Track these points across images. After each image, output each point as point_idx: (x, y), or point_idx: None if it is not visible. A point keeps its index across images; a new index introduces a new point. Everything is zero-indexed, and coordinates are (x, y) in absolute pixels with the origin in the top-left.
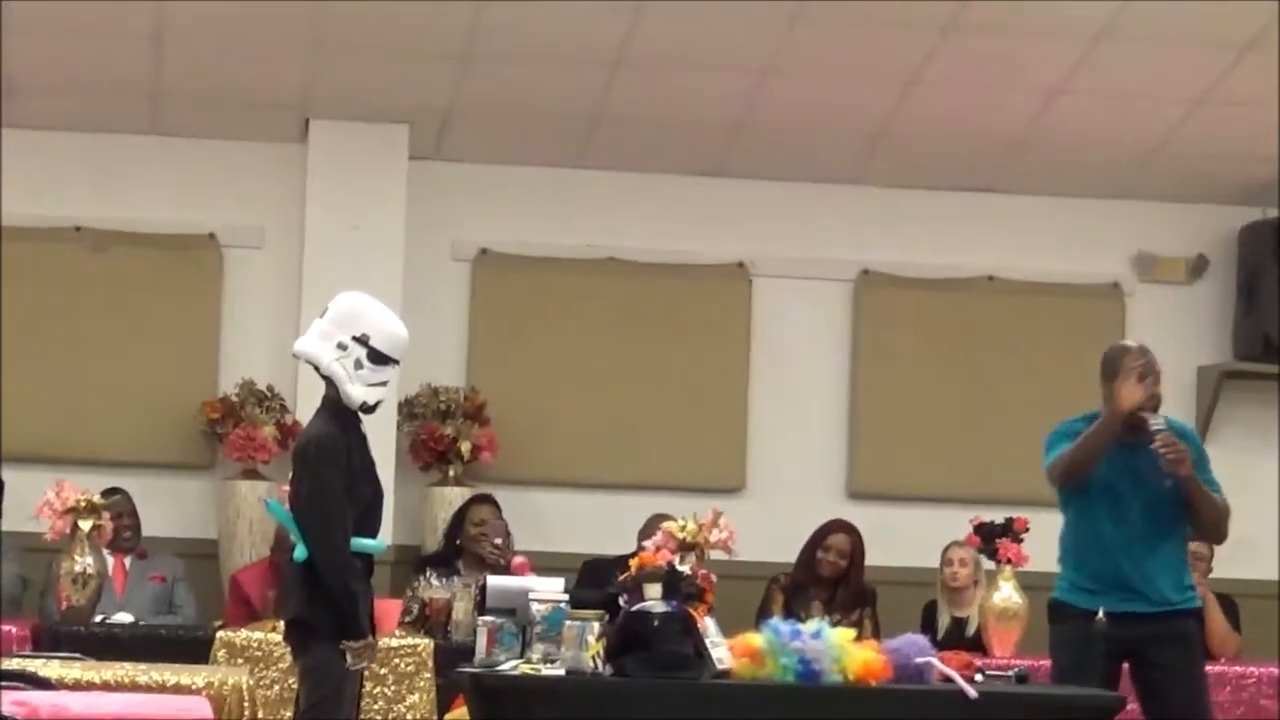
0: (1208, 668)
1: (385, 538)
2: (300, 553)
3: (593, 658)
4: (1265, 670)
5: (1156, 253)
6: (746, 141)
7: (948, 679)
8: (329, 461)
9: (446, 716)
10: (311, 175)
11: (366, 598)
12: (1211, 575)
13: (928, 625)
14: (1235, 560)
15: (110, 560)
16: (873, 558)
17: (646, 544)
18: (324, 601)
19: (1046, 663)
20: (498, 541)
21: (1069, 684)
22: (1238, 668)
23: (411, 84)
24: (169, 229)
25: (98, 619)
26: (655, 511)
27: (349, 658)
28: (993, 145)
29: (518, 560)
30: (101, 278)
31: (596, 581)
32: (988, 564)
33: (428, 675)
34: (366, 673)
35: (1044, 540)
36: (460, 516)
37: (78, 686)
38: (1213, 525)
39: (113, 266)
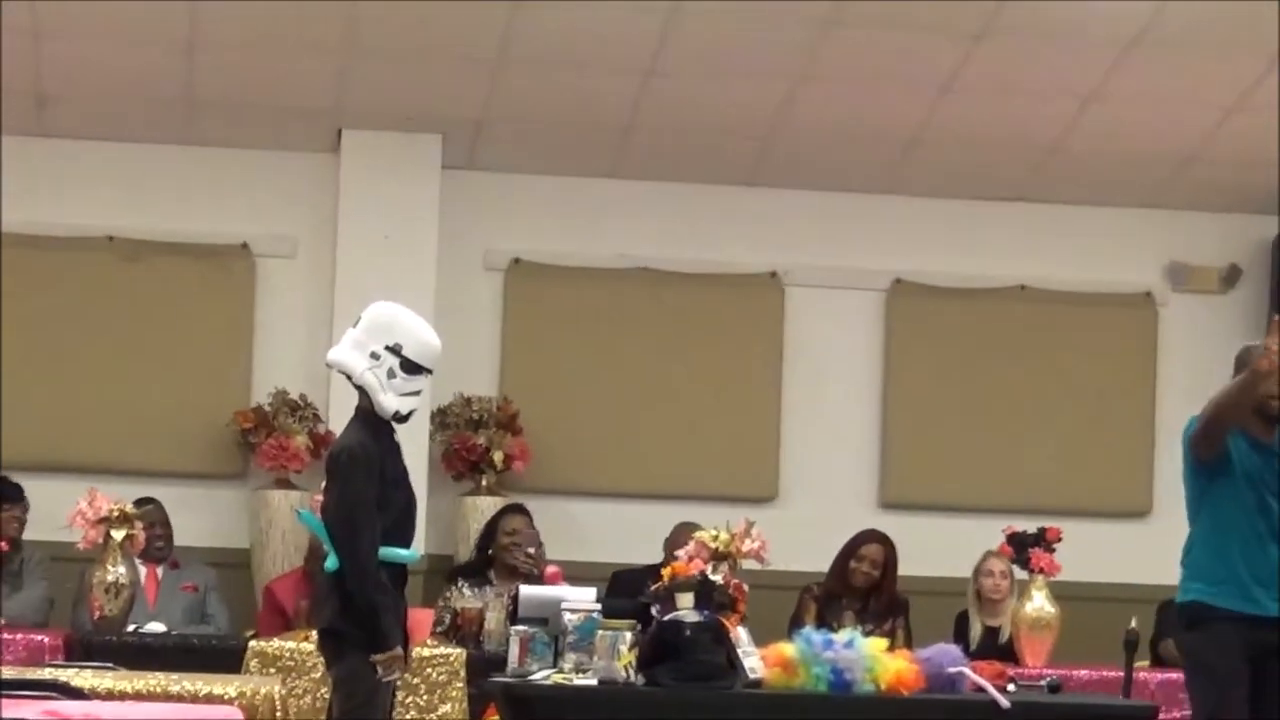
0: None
1: (418, 547)
2: (332, 563)
3: (625, 667)
4: None
5: (1190, 262)
6: (779, 150)
7: (980, 689)
8: (361, 471)
9: None
10: (344, 185)
11: (399, 607)
12: None
13: (960, 635)
14: None
15: (143, 570)
16: (905, 567)
17: (679, 553)
18: (356, 611)
19: (1079, 672)
20: (530, 551)
21: (1219, 691)
22: None
23: (444, 94)
24: (201, 238)
25: (130, 629)
26: (687, 521)
27: (380, 670)
28: (1025, 153)
29: (550, 570)
30: (134, 287)
31: (624, 592)
32: (1019, 574)
33: (460, 685)
34: (399, 682)
35: (1076, 550)
36: (492, 526)
37: (110, 696)
38: None
39: (145, 276)
